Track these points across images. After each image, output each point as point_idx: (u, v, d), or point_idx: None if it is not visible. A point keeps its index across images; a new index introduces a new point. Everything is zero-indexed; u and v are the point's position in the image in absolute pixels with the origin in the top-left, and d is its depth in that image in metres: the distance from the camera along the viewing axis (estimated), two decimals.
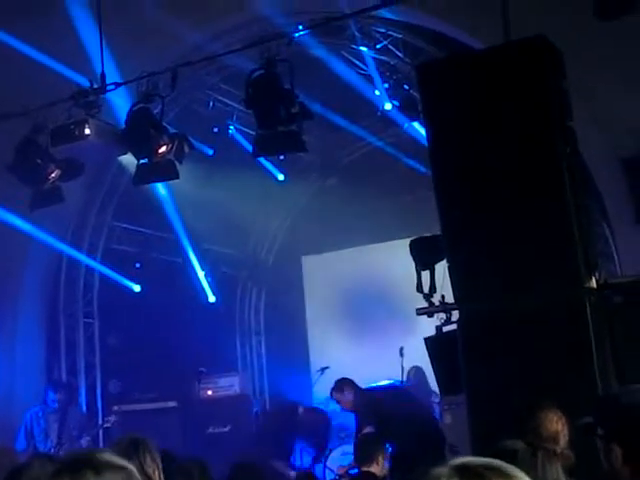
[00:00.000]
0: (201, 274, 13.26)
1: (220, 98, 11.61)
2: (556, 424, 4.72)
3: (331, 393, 8.59)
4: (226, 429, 11.62)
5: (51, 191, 8.38)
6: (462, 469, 1.49)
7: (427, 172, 10.44)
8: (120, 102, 8.75)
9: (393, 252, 12.89)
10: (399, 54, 10.63)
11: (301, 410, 11.05)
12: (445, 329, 6.70)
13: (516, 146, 6.20)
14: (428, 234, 7.10)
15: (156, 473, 4.02)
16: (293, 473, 8.85)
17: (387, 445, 6.58)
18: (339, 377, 8.95)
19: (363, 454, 6.34)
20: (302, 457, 9.58)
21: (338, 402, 8.48)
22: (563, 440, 4.66)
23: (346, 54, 10.87)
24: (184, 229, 12.56)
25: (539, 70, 6.23)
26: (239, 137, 12.16)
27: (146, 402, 11.54)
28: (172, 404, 11.68)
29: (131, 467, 1.87)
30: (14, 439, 9.10)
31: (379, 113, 11.46)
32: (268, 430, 9.61)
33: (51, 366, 11.34)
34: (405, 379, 10.64)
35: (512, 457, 3.07)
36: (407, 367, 10.91)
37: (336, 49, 10.64)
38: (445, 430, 8.96)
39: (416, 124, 11.29)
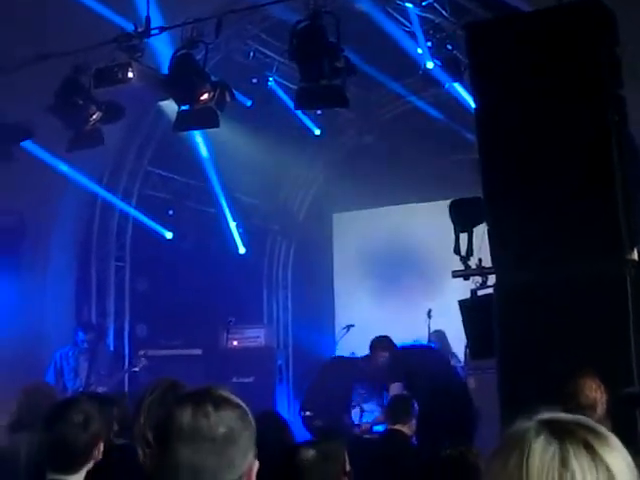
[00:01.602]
0: (233, 225, 13.27)
1: (261, 49, 11.49)
2: (595, 392, 4.70)
3: (370, 349, 8.57)
4: (250, 380, 11.70)
5: (91, 133, 8.34)
6: (552, 423, 1.45)
7: (465, 134, 10.35)
8: (162, 48, 8.67)
9: (425, 214, 12.84)
10: (444, 13, 10.43)
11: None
12: (480, 293, 6.69)
13: (564, 112, 6.10)
14: (465, 197, 7.03)
15: None
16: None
17: (414, 403, 6.55)
18: (363, 335, 8.90)
19: (397, 413, 6.32)
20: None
21: (375, 359, 8.48)
22: (601, 408, 4.63)
23: (391, 10, 10.68)
24: (218, 179, 12.55)
25: (592, 34, 6.10)
26: (278, 89, 12.06)
27: (172, 348, 11.64)
28: (197, 352, 11.78)
29: (245, 406, 2.00)
30: (43, 377, 9.21)
31: (420, 72, 11.28)
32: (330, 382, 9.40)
33: (81, 307, 11.44)
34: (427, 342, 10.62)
35: None
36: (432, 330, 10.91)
37: (381, 4, 10.46)
38: None
39: (457, 85, 11.13)
